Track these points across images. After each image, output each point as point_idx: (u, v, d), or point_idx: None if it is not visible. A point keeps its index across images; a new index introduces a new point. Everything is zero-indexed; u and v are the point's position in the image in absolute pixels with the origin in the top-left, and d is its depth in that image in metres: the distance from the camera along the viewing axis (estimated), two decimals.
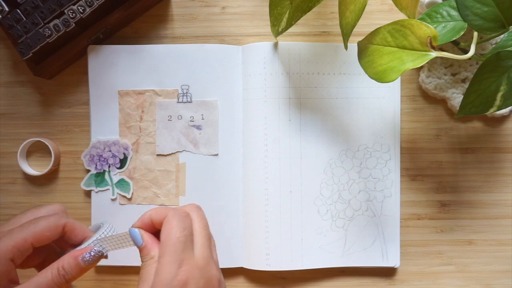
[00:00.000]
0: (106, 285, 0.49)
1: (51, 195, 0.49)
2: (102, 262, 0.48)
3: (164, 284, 0.31)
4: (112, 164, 0.48)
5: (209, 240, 0.36)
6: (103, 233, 0.35)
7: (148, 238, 0.35)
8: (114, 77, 0.48)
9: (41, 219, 0.35)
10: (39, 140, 0.48)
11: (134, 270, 0.49)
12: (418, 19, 0.41)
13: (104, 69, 0.48)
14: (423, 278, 0.49)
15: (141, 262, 0.34)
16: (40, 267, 0.36)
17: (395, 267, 0.48)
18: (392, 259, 0.48)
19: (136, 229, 0.35)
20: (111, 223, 0.37)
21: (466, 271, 0.49)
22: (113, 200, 0.48)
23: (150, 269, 0.33)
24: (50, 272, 0.33)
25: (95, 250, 0.34)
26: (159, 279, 0.32)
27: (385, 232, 0.48)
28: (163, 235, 0.33)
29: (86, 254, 0.34)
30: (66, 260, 0.34)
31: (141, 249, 0.35)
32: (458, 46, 0.44)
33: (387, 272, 0.49)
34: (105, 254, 0.35)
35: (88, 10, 0.44)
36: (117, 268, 0.49)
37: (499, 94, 0.37)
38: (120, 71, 0.48)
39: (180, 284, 0.32)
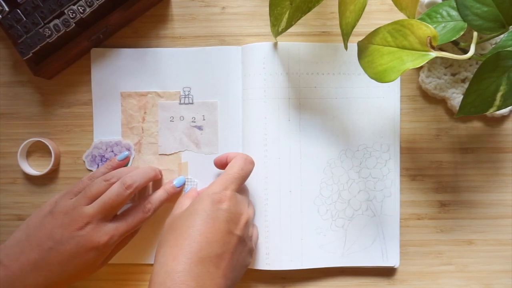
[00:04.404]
0: (106, 284, 0.49)
1: (51, 195, 0.49)
2: None
3: (207, 192, 0.41)
4: None
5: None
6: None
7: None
8: (117, 80, 0.48)
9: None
10: (39, 140, 0.48)
11: (134, 270, 0.49)
12: (418, 19, 0.41)
13: (107, 71, 0.48)
14: (423, 278, 0.49)
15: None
16: None
17: (395, 267, 0.48)
18: (392, 259, 0.48)
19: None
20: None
21: (466, 271, 0.49)
22: None
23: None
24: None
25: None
26: (207, 189, 0.41)
27: (385, 232, 0.48)
28: (227, 166, 0.43)
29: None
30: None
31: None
32: (458, 46, 0.44)
33: (387, 272, 0.49)
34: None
35: (88, 10, 0.44)
36: (117, 267, 0.49)
37: (499, 94, 0.37)
38: (123, 74, 0.48)
39: (217, 199, 0.40)
